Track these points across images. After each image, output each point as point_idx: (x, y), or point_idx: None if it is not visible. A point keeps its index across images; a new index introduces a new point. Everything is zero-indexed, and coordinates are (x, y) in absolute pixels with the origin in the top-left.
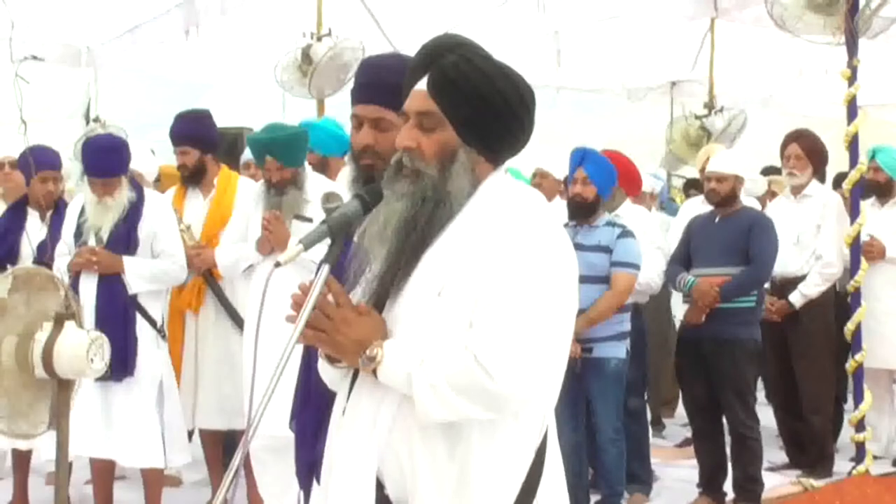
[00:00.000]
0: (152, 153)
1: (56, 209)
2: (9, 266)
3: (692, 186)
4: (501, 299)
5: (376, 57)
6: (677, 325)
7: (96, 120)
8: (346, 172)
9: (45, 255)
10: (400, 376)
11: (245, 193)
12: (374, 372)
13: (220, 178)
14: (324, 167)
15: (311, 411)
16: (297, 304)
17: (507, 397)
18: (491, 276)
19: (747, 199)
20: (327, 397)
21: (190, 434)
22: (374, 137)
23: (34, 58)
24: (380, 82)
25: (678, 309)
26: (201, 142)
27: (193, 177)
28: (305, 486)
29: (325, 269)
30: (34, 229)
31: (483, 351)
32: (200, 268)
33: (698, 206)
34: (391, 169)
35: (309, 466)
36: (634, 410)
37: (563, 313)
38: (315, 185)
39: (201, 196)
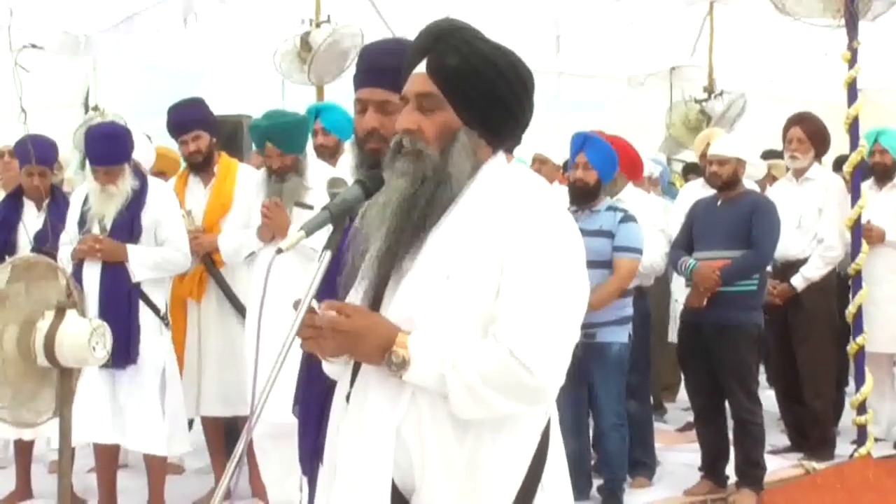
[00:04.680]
0: (148, 139)
1: (53, 198)
2: (7, 256)
3: (691, 171)
4: (528, 289)
5: (378, 42)
6: (677, 308)
7: (95, 108)
8: (346, 159)
9: (43, 244)
10: (431, 378)
11: (245, 181)
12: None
13: (220, 165)
14: (336, 151)
15: (314, 397)
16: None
17: (545, 390)
18: (511, 263)
19: (746, 184)
20: (330, 383)
21: (190, 422)
22: (379, 121)
23: (33, 46)
24: (383, 66)
25: (680, 293)
26: (210, 125)
27: (206, 162)
28: (309, 471)
29: (327, 255)
30: (31, 219)
31: (518, 345)
32: (198, 253)
33: (698, 189)
34: (391, 150)
35: (312, 452)
36: (637, 394)
37: (580, 297)
38: (316, 172)
39: (202, 183)
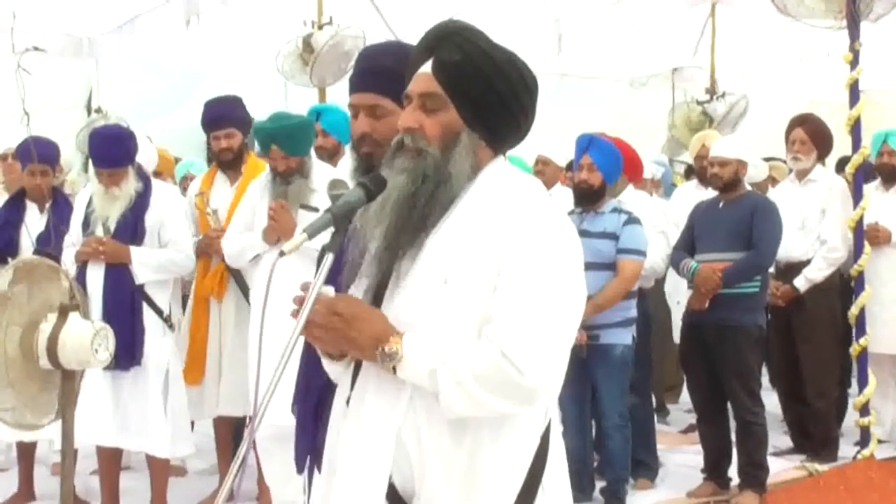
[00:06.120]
0: (149, 140)
1: (55, 200)
2: (9, 258)
3: (693, 172)
4: (522, 290)
5: (369, 46)
6: (679, 310)
7: (98, 111)
8: (345, 161)
9: (46, 245)
10: (422, 373)
11: None
12: (393, 368)
13: (248, 165)
14: (336, 153)
15: (312, 399)
16: (300, 303)
17: (537, 390)
18: (507, 266)
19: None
20: (327, 385)
21: (191, 424)
22: (370, 125)
23: (36, 49)
24: (375, 69)
25: (681, 295)
26: (245, 125)
27: (236, 161)
28: (304, 470)
29: (329, 257)
30: (33, 221)
31: (510, 345)
32: (220, 252)
33: (691, 191)
34: (391, 148)
35: (308, 453)
36: (637, 391)
37: (577, 300)
38: (321, 174)
39: (229, 182)
